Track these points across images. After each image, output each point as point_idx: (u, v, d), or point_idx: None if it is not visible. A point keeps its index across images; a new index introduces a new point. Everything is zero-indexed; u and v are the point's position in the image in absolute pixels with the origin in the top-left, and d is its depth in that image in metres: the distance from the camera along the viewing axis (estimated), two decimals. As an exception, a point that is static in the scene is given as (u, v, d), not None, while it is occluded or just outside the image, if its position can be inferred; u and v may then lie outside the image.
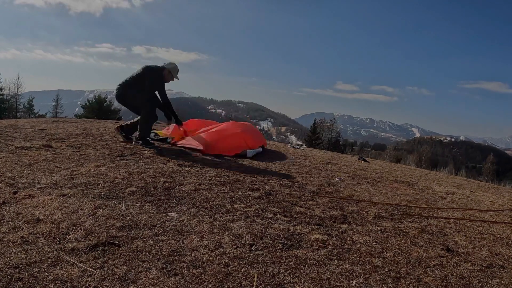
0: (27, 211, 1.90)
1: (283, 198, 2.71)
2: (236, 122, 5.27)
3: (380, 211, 2.68)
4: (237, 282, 1.45)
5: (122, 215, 1.98)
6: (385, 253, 1.89)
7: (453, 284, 1.64)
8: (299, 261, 1.69)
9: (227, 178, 3.08)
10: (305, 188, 3.11)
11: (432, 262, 1.84)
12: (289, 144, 8.25)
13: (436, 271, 1.74)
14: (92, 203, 2.11)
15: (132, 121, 4.46)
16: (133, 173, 2.88)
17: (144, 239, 1.73)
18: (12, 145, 3.47)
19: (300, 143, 35.98)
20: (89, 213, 1.95)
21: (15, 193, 2.15)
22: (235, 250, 1.72)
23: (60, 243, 1.60)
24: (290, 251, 1.78)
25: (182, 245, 1.71)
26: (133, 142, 4.18)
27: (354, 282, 1.55)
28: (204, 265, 1.55)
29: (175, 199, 2.36)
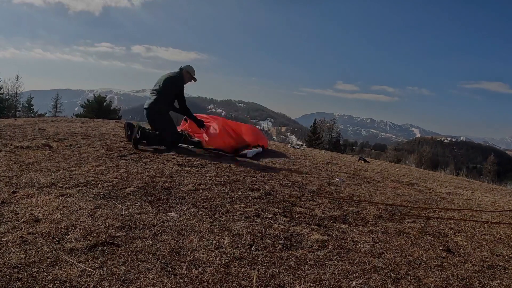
0: (26, 211, 1.89)
1: (283, 198, 2.70)
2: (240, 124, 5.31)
3: (380, 211, 2.68)
4: (237, 283, 1.44)
5: (122, 215, 1.98)
6: (385, 253, 1.88)
7: (453, 285, 1.63)
8: (299, 261, 1.68)
9: (227, 178, 3.08)
10: (305, 188, 3.10)
11: (433, 263, 1.83)
12: (289, 144, 8.24)
13: (437, 272, 1.73)
14: (91, 203, 2.10)
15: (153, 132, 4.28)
16: (133, 173, 2.87)
17: (144, 239, 1.73)
18: (11, 145, 3.47)
19: (300, 143, 35.98)
20: (89, 213, 1.94)
21: (14, 192, 2.14)
22: (234, 250, 1.71)
23: (59, 243, 1.59)
24: (290, 252, 1.77)
25: (181, 245, 1.71)
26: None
27: (354, 282, 1.54)
28: (203, 265, 1.55)
29: (175, 199, 2.35)
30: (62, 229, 1.72)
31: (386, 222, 2.44)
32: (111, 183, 2.52)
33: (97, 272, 1.40)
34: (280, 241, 1.88)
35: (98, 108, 27.28)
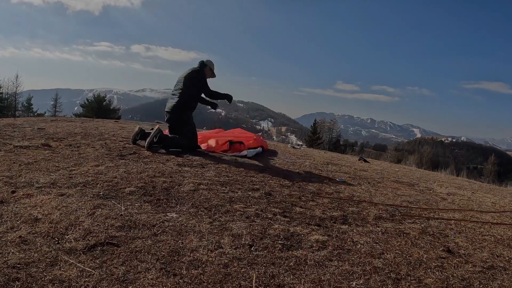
0: (25, 211, 1.88)
1: (283, 198, 2.69)
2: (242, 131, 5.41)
3: (380, 212, 2.67)
4: (237, 283, 1.43)
5: (121, 215, 1.97)
6: (385, 254, 1.88)
7: (453, 285, 1.62)
8: (299, 262, 1.68)
9: (227, 178, 3.07)
10: (305, 189, 3.10)
11: (433, 264, 1.82)
12: (289, 144, 8.22)
13: (437, 273, 1.73)
14: (90, 202, 2.10)
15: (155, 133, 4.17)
16: (132, 172, 2.87)
17: (143, 239, 1.72)
18: (11, 144, 3.46)
19: (300, 143, 35.97)
20: (88, 213, 1.94)
21: (13, 192, 2.14)
22: (234, 251, 1.70)
23: (58, 243, 1.59)
24: (290, 252, 1.77)
25: (181, 245, 1.70)
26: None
27: (354, 283, 1.54)
28: (203, 265, 1.54)
29: (174, 199, 2.35)
30: (61, 229, 1.72)
31: (386, 222, 2.43)
32: (110, 183, 2.52)
33: (96, 272, 1.40)
34: (280, 242, 1.87)
35: (98, 107, 27.29)
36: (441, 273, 1.73)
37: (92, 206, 2.04)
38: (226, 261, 1.60)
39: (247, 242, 1.81)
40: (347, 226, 2.24)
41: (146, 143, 3.86)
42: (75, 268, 1.41)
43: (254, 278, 1.48)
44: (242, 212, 2.25)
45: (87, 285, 1.31)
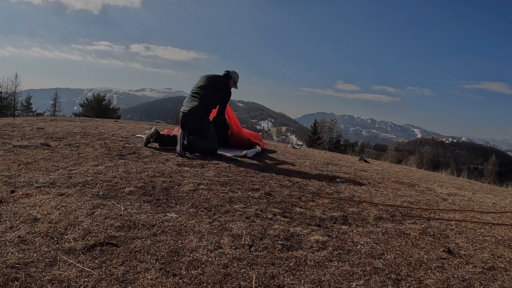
0: (24, 210, 1.88)
1: (283, 198, 2.69)
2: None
3: (381, 212, 2.67)
4: (236, 283, 1.43)
5: (121, 215, 1.97)
6: (385, 254, 1.87)
7: (454, 286, 1.62)
8: (299, 262, 1.67)
9: (227, 178, 3.07)
10: (305, 189, 3.09)
11: (433, 264, 1.82)
12: (289, 144, 8.22)
13: (437, 273, 1.72)
14: (90, 202, 2.09)
15: (173, 133, 4.10)
16: (132, 172, 2.86)
17: (143, 239, 1.71)
18: (10, 144, 3.46)
19: (300, 143, 35.95)
20: (87, 213, 1.93)
21: (12, 192, 2.13)
22: (234, 251, 1.70)
23: (57, 243, 1.58)
24: (290, 252, 1.76)
25: (181, 245, 1.70)
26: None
27: (354, 284, 1.53)
28: (203, 265, 1.54)
29: (174, 199, 2.34)
30: (60, 229, 1.71)
31: (387, 223, 2.43)
32: (110, 183, 2.51)
33: (95, 272, 1.39)
34: (280, 242, 1.87)
35: (97, 107, 27.30)
36: (442, 273, 1.72)
37: (91, 206, 2.04)
38: (225, 261, 1.59)
39: (247, 243, 1.81)
40: (347, 227, 2.24)
41: (178, 149, 3.67)
42: (74, 268, 1.40)
43: (253, 279, 1.47)
44: (242, 212, 2.25)
45: (86, 285, 1.31)
